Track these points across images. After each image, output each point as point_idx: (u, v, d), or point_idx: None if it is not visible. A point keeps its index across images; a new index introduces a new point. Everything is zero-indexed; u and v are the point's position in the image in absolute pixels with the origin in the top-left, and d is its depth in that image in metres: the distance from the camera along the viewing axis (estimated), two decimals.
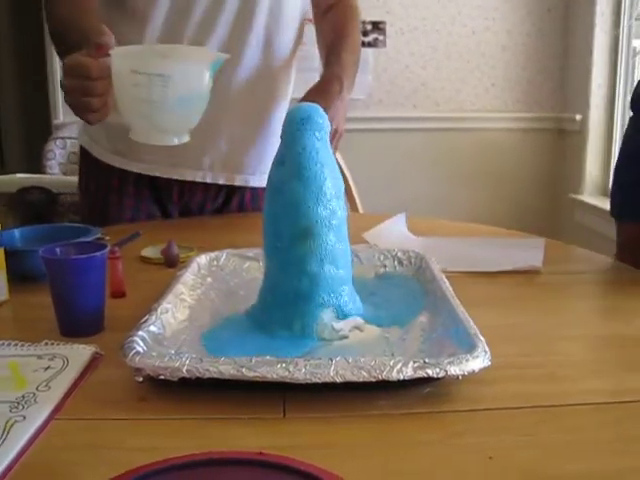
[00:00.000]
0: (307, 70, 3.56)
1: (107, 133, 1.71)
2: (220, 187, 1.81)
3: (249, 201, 1.85)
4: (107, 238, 1.45)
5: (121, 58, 1.12)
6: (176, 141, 1.21)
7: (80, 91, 1.17)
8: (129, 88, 1.11)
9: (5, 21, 5.07)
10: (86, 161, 1.81)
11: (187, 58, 1.26)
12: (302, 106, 0.98)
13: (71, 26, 1.33)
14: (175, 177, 1.74)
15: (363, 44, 3.59)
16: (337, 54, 1.61)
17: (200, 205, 1.82)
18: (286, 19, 1.70)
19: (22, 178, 2.75)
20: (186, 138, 1.24)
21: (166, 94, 1.10)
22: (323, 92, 1.49)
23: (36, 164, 3.38)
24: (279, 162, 0.99)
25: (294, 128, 0.97)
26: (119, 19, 1.55)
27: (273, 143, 1.59)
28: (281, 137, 0.99)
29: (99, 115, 1.22)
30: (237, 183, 1.79)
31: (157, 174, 1.73)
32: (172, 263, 1.35)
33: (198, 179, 1.75)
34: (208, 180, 1.76)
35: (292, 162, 0.96)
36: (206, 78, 1.16)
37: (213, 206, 1.84)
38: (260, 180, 1.80)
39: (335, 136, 1.52)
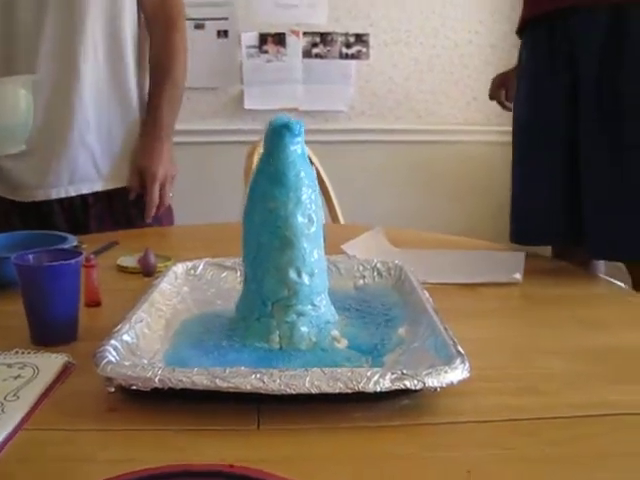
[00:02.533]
0: (289, 81, 3.58)
1: None
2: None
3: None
4: (84, 246, 1.43)
5: None
6: (10, 151, 1.40)
7: None
8: None
9: None
10: None
11: (1, 81, 1.42)
12: (281, 117, 0.97)
13: None
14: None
15: (347, 56, 3.60)
16: (156, 103, 1.81)
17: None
18: (119, 30, 1.78)
19: None
20: (21, 147, 1.40)
21: None
22: (152, 152, 1.79)
23: None
24: (259, 171, 0.98)
25: (274, 138, 0.96)
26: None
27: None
28: (264, 146, 0.98)
29: None
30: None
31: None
32: (149, 272, 1.34)
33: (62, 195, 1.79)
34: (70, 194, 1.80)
35: (272, 171, 0.95)
36: (21, 95, 1.34)
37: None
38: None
39: (168, 182, 1.79)
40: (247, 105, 3.55)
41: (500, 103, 1.95)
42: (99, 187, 1.82)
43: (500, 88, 1.94)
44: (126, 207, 1.86)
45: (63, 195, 1.79)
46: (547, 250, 1.69)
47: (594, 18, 1.42)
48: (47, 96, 1.67)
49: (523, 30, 1.66)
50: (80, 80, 1.73)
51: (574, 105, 1.47)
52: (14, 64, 1.65)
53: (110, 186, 1.83)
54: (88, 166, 1.79)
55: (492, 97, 1.97)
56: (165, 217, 1.91)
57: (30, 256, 1.02)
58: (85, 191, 1.81)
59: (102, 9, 1.73)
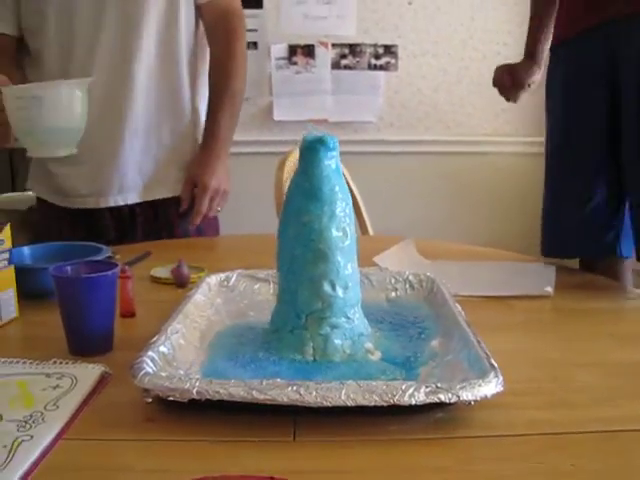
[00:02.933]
0: (318, 93, 3.59)
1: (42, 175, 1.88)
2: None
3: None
4: (117, 257, 1.45)
5: (8, 90, 1.34)
6: (61, 153, 1.40)
7: None
8: (15, 112, 1.33)
9: None
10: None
11: (56, 83, 1.46)
12: (316, 132, 0.98)
13: None
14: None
15: (375, 67, 3.61)
16: (215, 117, 1.83)
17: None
18: (174, 48, 1.80)
19: (32, 196, 2.75)
20: (73, 150, 1.41)
21: (42, 112, 1.31)
22: (207, 164, 1.81)
23: None
24: (295, 186, 0.99)
25: (309, 153, 0.97)
26: (26, 64, 1.76)
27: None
28: (298, 161, 0.99)
29: (1, 142, 1.47)
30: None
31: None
32: (182, 283, 1.35)
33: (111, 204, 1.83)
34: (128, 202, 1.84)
35: (307, 185, 0.96)
36: (76, 96, 1.37)
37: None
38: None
39: (219, 195, 1.81)
40: (276, 116, 3.56)
41: (505, 90, 1.89)
42: (146, 197, 1.85)
43: (506, 75, 1.88)
44: (169, 216, 1.88)
45: (112, 204, 1.82)
46: (574, 262, 1.69)
47: (633, 27, 1.43)
48: (100, 104, 1.68)
49: (557, 46, 1.67)
50: (133, 89, 1.75)
51: (616, 117, 1.48)
52: (70, 73, 1.68)
53: (157, 196, 1.86)
54: (135, 175, 1.82)
55: (496, 84, 1.91)
56: (209, 228, 1.94)
57: (68, 268, 1.04)
58: (131, 201, 1.84)
59: (158, 18, 1.75)
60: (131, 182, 1.82)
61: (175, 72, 1.82)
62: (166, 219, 1.88)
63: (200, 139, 1.88)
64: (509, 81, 1.85)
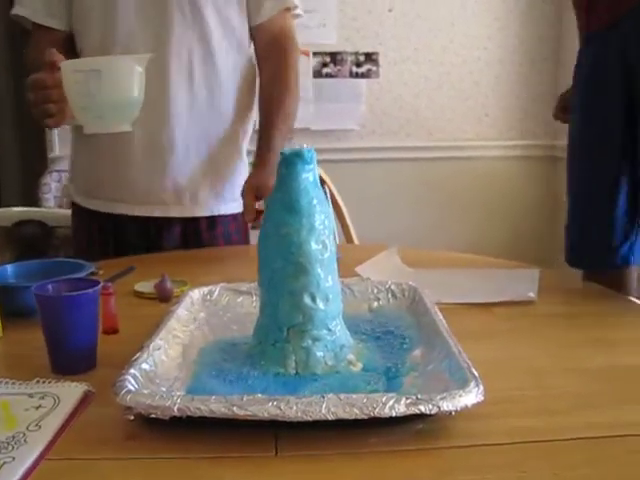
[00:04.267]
0: (300, 101, 3.59)
1: (79, 176, 1.90)
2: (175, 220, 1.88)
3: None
4: (100, 272, 1.45)
5: (66, 64, 1.34)
6: (118, 129, 1.40)
7: (40, 100, 1.41)
8: (72, 86, 1.32)
9: (2, 55, 5.10)
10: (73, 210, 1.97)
11: (117, 57, 1.47)
12: (295, 147, 0.98)
13: (35, 62, 1.50)
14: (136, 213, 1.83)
15: (357, 75, 3.62)
16: (270, 135, 1.80)
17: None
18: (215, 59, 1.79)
19: (18, 212, 2.75)
20: (128, 127, 1.41)
21: (101, 86, 1.30)
22: (265, 172, 1.75)
23: (32, 197, 3.38)
24: (273, 198, 0.99)
25: (288, 166, 0.98)
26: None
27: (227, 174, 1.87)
28: (277, 175, 1.00)
29: (56, 119, 1.44)
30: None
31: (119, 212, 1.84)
32: (165, 298, 1.35)
33: (156, 214, 1.83)
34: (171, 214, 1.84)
35: (286, 198, 0.97)
36: (136, 71, 1.35)
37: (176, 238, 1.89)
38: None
39: None
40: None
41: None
42: (188, 213, 1.86)
43: (563, 108, 1.86)
44: (198, 232, 1.90)
45: (145, 214, 1.83)
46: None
47: None
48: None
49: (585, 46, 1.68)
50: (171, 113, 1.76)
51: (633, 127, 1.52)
52: None
53: (196, 214, 1.87)
54: (181, 190, 1.83)
55: (557, 118, 1.90)
56: (239, 237, 1.96)
57: (49, 286, 1.04)
58: (175, 214, 1.85)
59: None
60: (173, 196, 1.83)
61: (225, 100, 1.84)
62: (195, 233, 1.90)
63: (242, 167, 1.92)
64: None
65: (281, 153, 0.98)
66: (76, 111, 1.36)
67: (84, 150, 1.86)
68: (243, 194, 1.77)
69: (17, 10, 1.73)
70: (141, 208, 1.82)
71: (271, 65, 1.87)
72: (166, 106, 1.74)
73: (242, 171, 1.93)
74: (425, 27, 3.66)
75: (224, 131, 1.86)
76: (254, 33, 1.87)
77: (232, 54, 1.81)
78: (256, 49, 1.89)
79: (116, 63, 1.37)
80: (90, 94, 1.30)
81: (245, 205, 1.77)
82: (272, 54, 1.87)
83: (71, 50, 1.77)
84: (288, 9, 1.87)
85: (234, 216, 1.91)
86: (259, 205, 1.75)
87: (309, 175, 0.97)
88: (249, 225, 1.91)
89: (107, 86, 1.31)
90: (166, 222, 1.85)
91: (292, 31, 1.90)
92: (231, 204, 1.90)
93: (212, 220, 1.89)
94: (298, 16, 1.93)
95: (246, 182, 1.80)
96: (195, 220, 1.88)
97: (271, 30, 1.86)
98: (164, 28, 1.70)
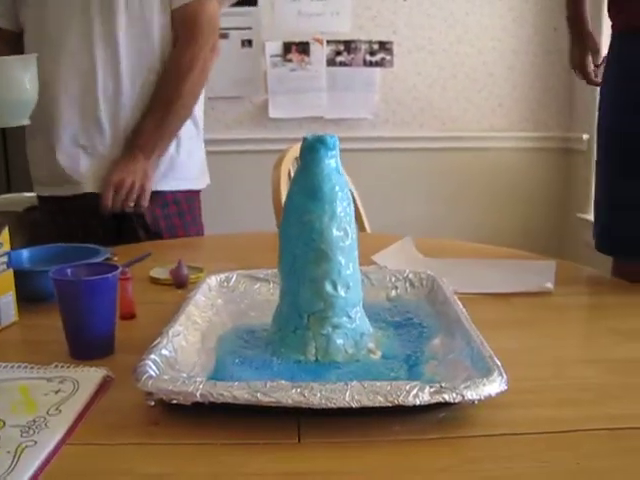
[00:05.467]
0: (313, 90, 3.59)
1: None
2: None
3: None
4: (115, 258, 1.44)
5: None
6: (13, 124, 1.49)
7: None
8: None
9: None
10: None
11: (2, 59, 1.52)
12: (317, 133, 0.98)
13: None
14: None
15: (370, 64, 3.61)
16: (142, 122, 1.85)
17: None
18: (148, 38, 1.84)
19: (29, 197, 2.75)
20: (24, 121, 1.49)
21: None
22: (117, 164, 1.83)
23: None
24: (295, 184, 0.99)
25: (309, 152, 0.97)
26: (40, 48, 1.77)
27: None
28: (299, 160, 0.99)
29: None
30: None
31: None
32: (181, 284, 1.35)
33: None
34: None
35: (309, 184, 0.96)
36: (20, 71, 1.44)
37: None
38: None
39: (124, 188, 1.82)
40: (272, 114, 3.56)
41: (587, 73, 1.90)
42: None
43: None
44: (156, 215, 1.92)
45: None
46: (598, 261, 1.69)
47: None
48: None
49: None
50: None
51: None
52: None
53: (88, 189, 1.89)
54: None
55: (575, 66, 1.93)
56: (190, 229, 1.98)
57: (68, 270, 1.03)
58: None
59: (130, 22, 1.81)
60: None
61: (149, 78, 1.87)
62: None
63: (181, 142, 1.95)
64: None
65: (304, 139, 0.97)
66: None
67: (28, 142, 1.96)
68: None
69: None
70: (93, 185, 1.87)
71: (174, 51, 1.88)
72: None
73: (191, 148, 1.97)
74: (440, 17, 3.64)
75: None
76: (172, 18, 1.88)
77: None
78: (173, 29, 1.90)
79: (4, 66, 1.44)
80: None
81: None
82: (179, 39, 1.88)
83: (16, 48, 1.85)
84: None
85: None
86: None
87: (332, 161, 0.96)
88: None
89: None
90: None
91: (208, 18, 1.90)
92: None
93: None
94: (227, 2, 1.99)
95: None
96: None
97: (184, 16, 1.87)
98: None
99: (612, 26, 1.67)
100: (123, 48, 1.80)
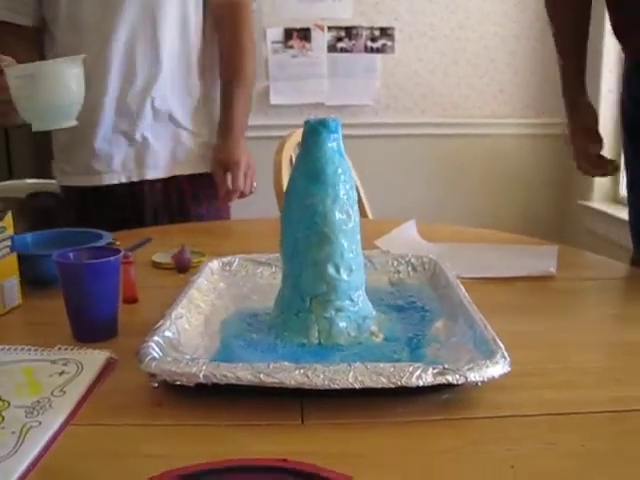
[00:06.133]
0: (315, 76, 3.58)
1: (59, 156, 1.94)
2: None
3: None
4: (118, 243, 1.44)
5: (9, 71, 1.40)
6: (64, 125, 1.46)
7: None
8: (15, 90, 1.38)
9: None
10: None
11: (50, 61, 1.53)
12: (320, 116, 0.97)
13: None
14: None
15: (372, 50, 3.60)
16: (229, 101, 1.88)
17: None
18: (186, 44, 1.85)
19: (31, 184, 2.75)
20: (72, 122, 1.47)
21: (35, 90, 1.38)
22: (230, 146, 1.84)
23: (44, 169, 3.38)
24: (297, 168, 0.99)
25: (311, 135, 0.97)
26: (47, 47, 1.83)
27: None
28: (301, 144, 0.99)
29: (7, 118, 1.51)
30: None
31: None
32: (183, 268, 1.35)
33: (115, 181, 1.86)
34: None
35: (311, 167, 0.96)
36: (69, 72, 1.42)
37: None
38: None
39: (251, 171, 1.85)
40: (273, 100, 3.56)
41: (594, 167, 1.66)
42: (165, 174, 1.88)
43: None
44: (182, 198, 1.91)
45: (123, 180, 1.86)
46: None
47: None
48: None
49: None
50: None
51: None
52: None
53: (176, 172, 1.89)
54: (148, 154, 1.86)
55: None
56: (224, 212, 2.00)
57: (71, 254, 1.04)
58: (149, 177, 1.87)
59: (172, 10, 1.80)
60: (149, 159, 1.85)
61: (188, 63, 1.86)
62: (178, 201, 1.92)
63: (215, 126, 1.92)
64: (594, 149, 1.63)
65: (306, 122, 0.97)
66: (21, 112, 1.45)
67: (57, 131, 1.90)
68: (213, 171, 1.82)
69: None
70: (121, 175, 1.86)
71: (226, 31, 1.90)
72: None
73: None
74: (441, 2, 3.62)
75: (194, 98, 1.90)
76: (209, 3, 1.88)
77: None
78: (211, 14, 1.90)
79: (49, 67, 1.43)
80: (28, 97, 1.39)
81: (217, 182, 1.82)
82: (226, 19, 1.89)
83: (39, 43, 1.84)
84: None
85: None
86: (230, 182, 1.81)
87: (334, 144, 0.96)
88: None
89: (41, 90, 1.39)
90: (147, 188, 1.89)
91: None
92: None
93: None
94: None
95: (212, 158, 1.85)
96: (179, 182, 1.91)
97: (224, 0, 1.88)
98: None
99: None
100: (163, 32, 1.79)
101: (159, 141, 1.85)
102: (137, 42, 1.76)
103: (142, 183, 1.86)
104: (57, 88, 1.41)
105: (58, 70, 1.42)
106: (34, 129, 1.47)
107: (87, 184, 1.87)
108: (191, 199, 1.92)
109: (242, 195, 1.85)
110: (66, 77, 1.42)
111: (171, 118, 1.85)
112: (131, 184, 1.85)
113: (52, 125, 1.48)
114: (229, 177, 1.82)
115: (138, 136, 1.82)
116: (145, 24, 1.76)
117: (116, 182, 1.85)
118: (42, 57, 1.81)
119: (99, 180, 1.85)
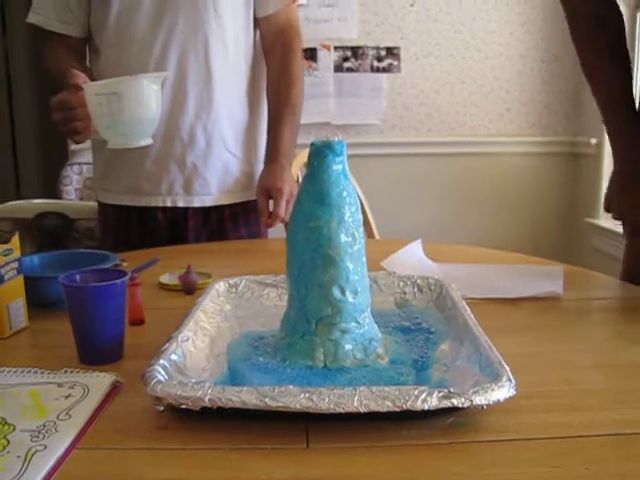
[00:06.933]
0: (321, 96, 3.59)
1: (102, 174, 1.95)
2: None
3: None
4: (125, 264, 1.45)
5: (88, 87, 1.44)
6: (142, 143, 1.49)
7: (67, 119, 1.51)
8: (95, 107, 1.41)
9: (22, 53, 5.13)
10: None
11: (134, 78, 1.50)
12: (326, 139, 0.98)
13: (54, 70, 1.68)
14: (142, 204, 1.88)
15: (378, 69, 3.61)
16: (277, 130, 1.87)
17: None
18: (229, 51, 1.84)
19: (38, 203, 2.76)
20: (149, 140, 1.50)
21: (121, 108, 1.40)
22: (275, 174, 1.82)
23: (52, 189, 3.39)
24: (303, 190, 0.99)
25: (316, 158, 0.97)
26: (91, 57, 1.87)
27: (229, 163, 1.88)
28: (307, 166, 1.00)
29: (82, 135, 1.55)
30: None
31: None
32: (190, 290, 1.35)
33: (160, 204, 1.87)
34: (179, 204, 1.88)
35: (316, 190, 0.96)
36: (152, 90, 1.45)
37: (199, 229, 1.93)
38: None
39: (293, 198, 1.74)
40: None
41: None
42: (209, 202, 1.90)
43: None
44: (221, 221, 1.93)
45: (169, 204, 1.88)
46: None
47: None
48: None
49: None
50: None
51: None
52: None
53: (222, 202, 1.91)
54: (197, 181, 1.87)
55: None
56: (262, 236, 2.02)
57: (77, 276, 1.04)
58: (195, 204, 1.89)
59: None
60: (197, 186, 1.87)
61: (238, 89, 1.88)
62: (218, 223, 1.93)
63: (260, 153, 1.95)
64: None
65: (311, 144, 0.98)
66: (100, 129, 1.46)
67: (104, 149, 1.89)
68: (257, 196, 1.83)
69: (31, 18, 1.81)
70: (166, 198, 1.86)
71: (277, 58, 1.90)
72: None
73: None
74: (447, 22, 3.64)
75: (241, 121, 1.91)
76: (260, 25, 1.89)
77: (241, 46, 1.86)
78: (262, 41, 1.92)
79: (134, 85, 1.43)
80: (112, 115, 1.41)
81: (259, 208, 1.81)
82: (277, 47, 1.90)
83: (82, 53, 1.87)
84: (294, 0, 1.90)
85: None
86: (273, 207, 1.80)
87: (339, 167, 0.97)
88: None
89: (127, 107, 1.41)
90: (191, 211, 1.90)
91: (297, 22, 1.94)
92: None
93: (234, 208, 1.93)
94: (301, 5, 1.99)
95: (257, 184, 1.85)
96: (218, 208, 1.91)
97: (277, 23, 1.89)
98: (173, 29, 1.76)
99: None
100: (215, 56, 1.79)
101: (209, 170, 1.86)
102: (188, 65, 1.77)
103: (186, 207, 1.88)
104: (139, 106, 1.42)
105: (140, 88, 1.43)
106: (111, 146, 1.49)
107: (132, 204, 1.88)
108: (230, 222, 1.94)
109: (282, 221, 1.85)
110: (147, 95, 1.43)
111: (221, 145, 1.86)
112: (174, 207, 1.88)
113: (130, 143, 1.49)
114: (271, 203, 1.82)
115: (188, 162, 1.84)
116: (197, 47, 1.77)
117: (161, 205, 1.86)
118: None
119: (146, 202, 1.86)
